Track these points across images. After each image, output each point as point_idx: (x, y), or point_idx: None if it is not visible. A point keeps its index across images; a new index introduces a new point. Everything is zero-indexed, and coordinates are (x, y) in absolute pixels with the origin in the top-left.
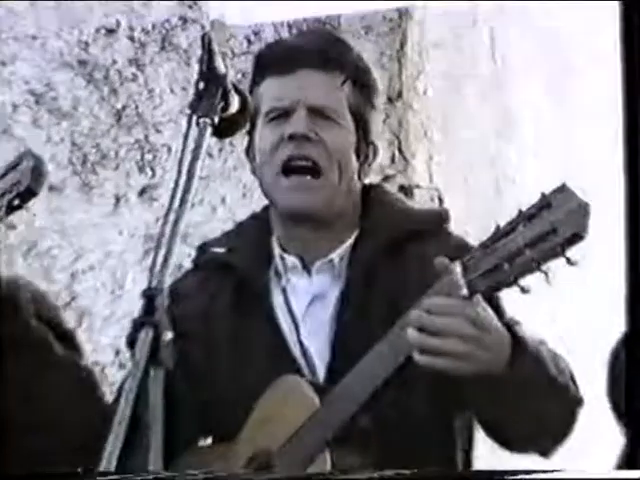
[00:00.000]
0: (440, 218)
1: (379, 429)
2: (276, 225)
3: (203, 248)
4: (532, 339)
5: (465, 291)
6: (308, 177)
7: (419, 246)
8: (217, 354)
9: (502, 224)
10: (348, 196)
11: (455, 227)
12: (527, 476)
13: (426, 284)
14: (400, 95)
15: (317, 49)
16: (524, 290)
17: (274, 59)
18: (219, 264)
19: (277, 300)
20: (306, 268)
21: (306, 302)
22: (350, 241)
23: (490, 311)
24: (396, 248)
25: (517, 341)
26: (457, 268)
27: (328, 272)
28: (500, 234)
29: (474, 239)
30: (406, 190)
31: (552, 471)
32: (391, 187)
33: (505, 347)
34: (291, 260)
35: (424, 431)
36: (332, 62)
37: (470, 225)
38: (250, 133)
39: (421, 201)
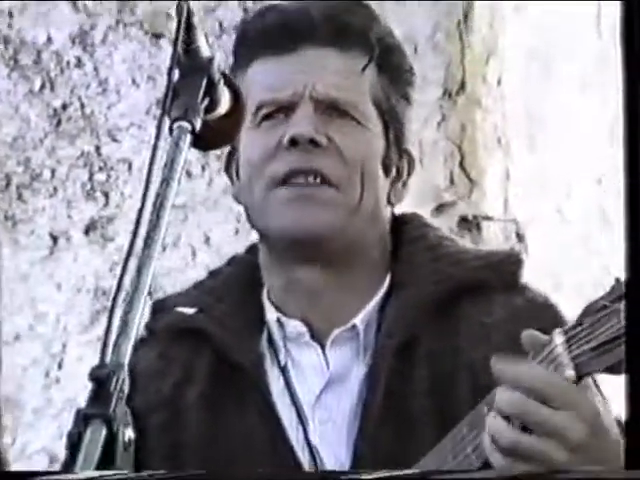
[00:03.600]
0: (508, 263)
1: None
2: (269, 270)
3: (161, 306)
4: None
5: (571, 372)
6: (321, 186)
7: (480, 305)
8: (189, 458)
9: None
10: (373, 226)
11: (545, 278)
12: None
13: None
14: (463, 87)
15: (327, 17)
16: None
17: (266, 32)
18: (186, 331)
19: (274, 385)
20: (316, 339)
21: (318, 388)
22: (379, 296)
23: (605, 402)
24: (445, 307)
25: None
26: (559, 339)
27: (349, 344)
28: (618, 293)
29: (571, 296)
30: (470, 223)
31: (559, 471)
32: (450, 219)
33: (619, 454)
34: (294, 326)
35: None
36: (349, 36)
37: (566, 274)
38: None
39: (492, 238)
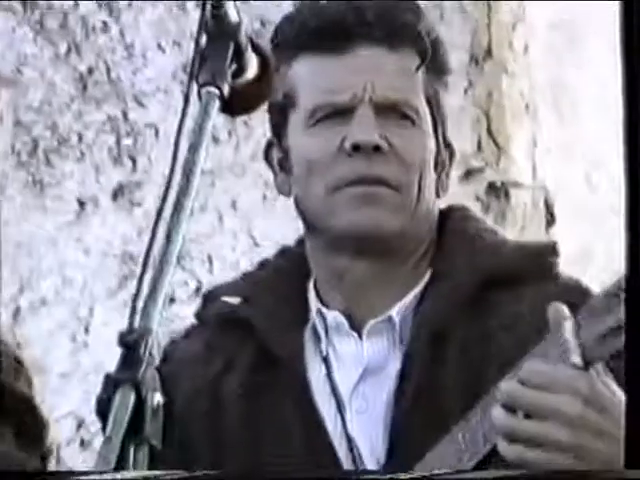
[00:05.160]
0: (544, 255)
1: None
2: (315, 262)
3: (210, 296)
4: None
5: (578, 359)
6: (384, 187)
7: (512, 296)
8: (228, 448)
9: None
10: (426, 222)
11: (574, 247)
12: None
13: (522, 350)
14: (489, 53)
15: (381, 15)
16: None
17: (319, 28)
18: (232, 321)
19: (315, 374)
20: (355, 329)
21: (355, 377)
22: (418, 289)
23: (615, 387)
24: (479, 298)
25: None
26: (568, 325)
27: (386, 335)
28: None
29: (601, 267)
30: (498, 190)
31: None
32: (478, 186)
33: (620, 431)
34: (333, 317)
35: None
36: (402, 34)
37: (596, 244)
38: (276, 130)
39: (520, 205)
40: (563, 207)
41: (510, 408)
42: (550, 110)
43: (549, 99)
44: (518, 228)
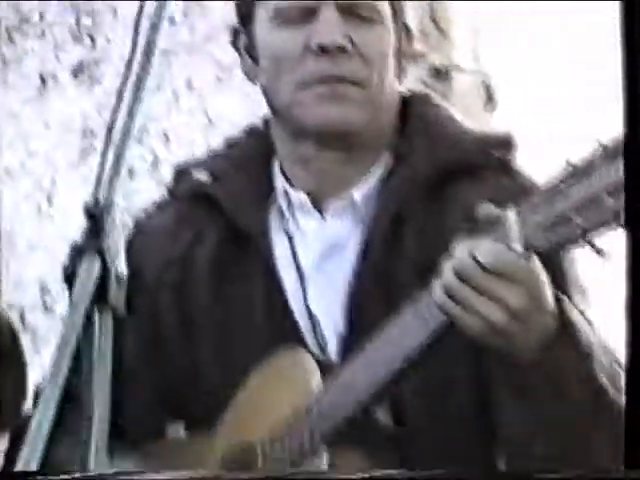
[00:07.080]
0: (503, 147)
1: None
2: (281, 144)
3: (181, 172)
4: (585, 329)
5: (519, 246)
6: (349, 85)
7: (467, 186)
8: (195, 317)
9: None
10: (389, 111)
11: (516, 133)
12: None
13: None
14: None
15: None
16: (599, 252)
17: None
18: (201, 196)
19: (280, 250)
20: (318, 208)
21: (317, 253)
22: (380, 172)
23: (545, 278)
24: (438, 187)
25: (565, 325)
26: (511, 216)
27: (348, 215)
28: (574, 172)
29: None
30: (441, 74)
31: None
32: (421, 70)
33: (550, 329)
34: (298, 196)
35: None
36: None
37: (533, 134)
38: (243, 21)
39: (462, 89)
40: (505, 90)
41: (449, 293)
42: None
43: None
44: (460, 112)
